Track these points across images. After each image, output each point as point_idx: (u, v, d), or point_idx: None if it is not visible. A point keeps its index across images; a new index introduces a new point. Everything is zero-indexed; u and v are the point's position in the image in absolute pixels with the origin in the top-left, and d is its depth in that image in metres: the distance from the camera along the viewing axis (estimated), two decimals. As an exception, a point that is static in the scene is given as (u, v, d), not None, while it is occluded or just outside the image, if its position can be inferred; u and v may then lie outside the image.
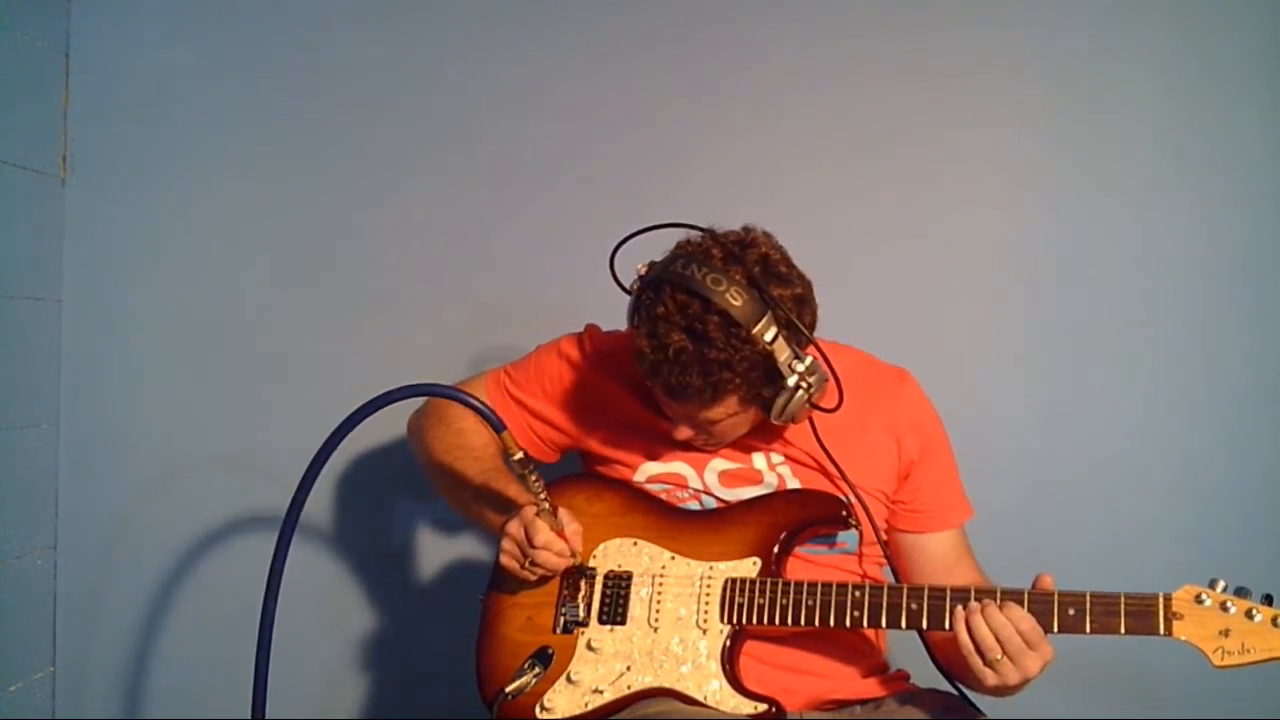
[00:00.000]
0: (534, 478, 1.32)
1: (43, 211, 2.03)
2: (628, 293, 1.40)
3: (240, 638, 2.04)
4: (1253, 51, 1.91)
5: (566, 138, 2.02)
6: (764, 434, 1.48)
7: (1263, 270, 1.92)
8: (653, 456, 1.50)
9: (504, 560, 1.40)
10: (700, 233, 1.38)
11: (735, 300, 1.28)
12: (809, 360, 1.33)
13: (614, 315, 1.49)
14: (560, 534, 1.37)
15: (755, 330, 1.29)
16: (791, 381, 1.32)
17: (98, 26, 2.06)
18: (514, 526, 1.38)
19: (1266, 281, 1.92)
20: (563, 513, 1.38)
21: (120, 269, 2.07)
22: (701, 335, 1.28)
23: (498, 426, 1.29)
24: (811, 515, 1.44)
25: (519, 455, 1.30)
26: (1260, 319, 1.92)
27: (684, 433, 1.43)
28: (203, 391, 2.07)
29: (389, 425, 2.03)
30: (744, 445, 1.49)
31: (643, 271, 1.37)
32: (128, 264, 2.07)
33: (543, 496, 1.35)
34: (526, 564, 1.39)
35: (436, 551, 2.06)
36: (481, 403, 1.30)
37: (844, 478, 1.45)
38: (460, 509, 1.57)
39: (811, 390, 1.34)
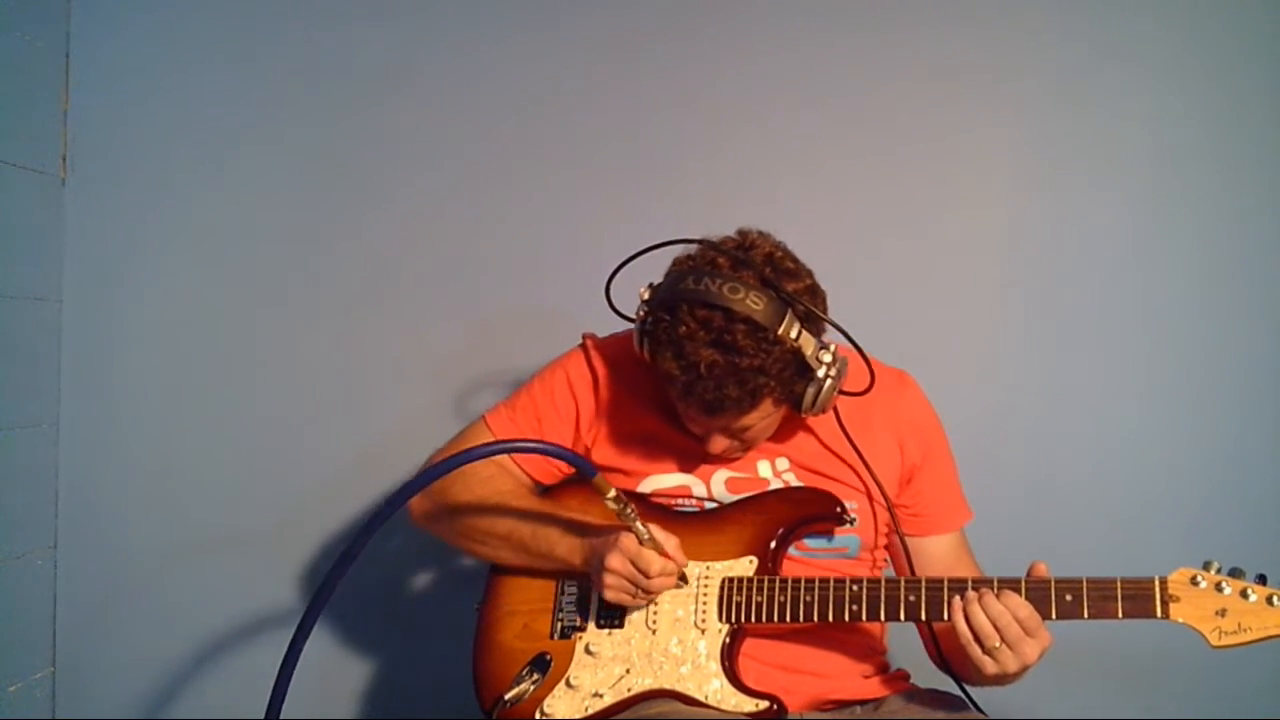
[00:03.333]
0: (630, 510, 1.30)
1: (43, 211, 2.03)
2: (628, 320, 1.39)
3: (239, 637, 2.05)
4: (1253, 52, 1.91)
5: (562, 142, 2.01)
6: (770, 440, 1.47)
7: (1261, 269, 1.92)
8: (659, 469, 1.49)
9: (611, 596, 1.36)
10: (696, 245, 1.37)
11: (756, 304, 1.28)
12: (833, 348, 1.34)
13: (605, 317, 1.49)
14: (664, 554, 1.35)
15: (781, 330, 1.29)
16: (821, 373, 1.33)
17: (98, 26, 2.06)
18: (618, 562, 1.34)
19: (1265, 280, 1.91)
20: (656, 531, 1.35)
21: (120, 269, 2.07)
22: (731, 346, 1.28)
23: (589, 471, 1.27)
24: (806, 512, 1.44)
25: (612, 493, 1.28)
26: (1259, 318, 1.92)
27: (719, 444, 1.41)
28: (202, 391, 2.06)
29: (385, 429, 2.04)
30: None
31: (646, 295, 1.36)
32: (128, 264, 2.07)
33: (640, 526, 1.32)
34: (638, 593, 1.36)
35: (430, 561, 2.06)
36: (567, 450, 1.28)
37: (868, 468, 1.45)
38: (511, 556, 1.47)
39: (839, 378, 1.35)
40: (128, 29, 2.06)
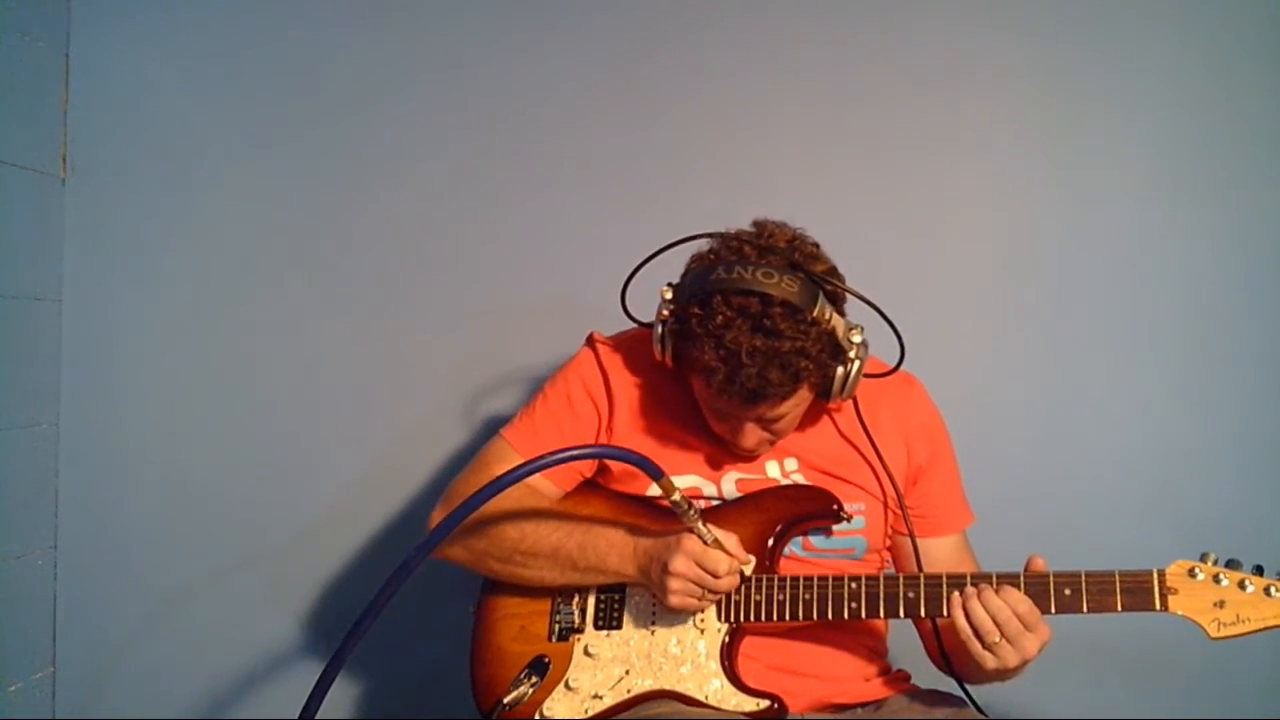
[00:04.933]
0: (694, 511, 1.30)
1: (43, 211, 2.03)
2: (641, 324, 1.38)
3: (238, 638, 2.05)
4: (1253, 52, 1.91)
5: (563, 141, 2.00)
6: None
7: (1263, 267, 1.91)
8: (671, 470, 1.43)
9: (676, 601, 1.34)
10: (714, 239, 1.37)
11: (791, 287, 1.29)
12: (860, 329, 1.35)
13: (608, 316, 1.48)
14: (729, 553, 1.34)
15: (815, 312, 1.30)
16: (852, 354, 1.34)
17: (98, 26, 2.06)
18: (684, 565, 1.32)
19: (1266, 278, 1.91)
20: (714, 529, 1.34)
21: (120, 269, 2.06)
22: (771, 330, 1.28)
23: (656, 474, 1.26)
24: (803, 510, 1.43)
25: (677, 495, 1.27)
26: (1261, 319, 1.91)
27: (752, 437, 1.40)
28: (202, 391, 2.06)
29: (389, 428, 2.04)
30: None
31: (669, 295, 1.36)
32: (128, 264, 2.06)
33: (703, 527, 1.32)
34: (704, 595, 1.35)
35: (429, 561, 2.05)
36: (633, 452, 1.26)
37: (884, 464, 1.45)
38: (558, 575, 1.42)
39: (864, 360, 1.36)
40: (128, 29, 2.06)
